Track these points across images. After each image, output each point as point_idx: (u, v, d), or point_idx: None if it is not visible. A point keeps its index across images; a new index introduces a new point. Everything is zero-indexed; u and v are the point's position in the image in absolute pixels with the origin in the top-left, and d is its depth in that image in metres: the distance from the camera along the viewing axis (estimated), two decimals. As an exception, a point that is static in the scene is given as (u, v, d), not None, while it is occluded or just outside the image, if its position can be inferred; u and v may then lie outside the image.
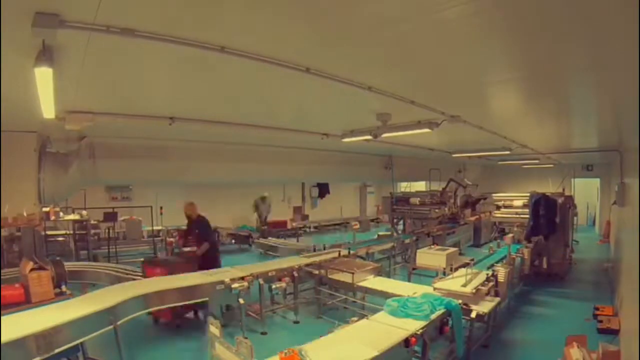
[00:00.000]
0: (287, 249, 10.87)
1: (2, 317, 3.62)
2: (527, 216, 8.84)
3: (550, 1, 2.21)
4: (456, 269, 5.88)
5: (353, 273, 5.79)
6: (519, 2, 2.25)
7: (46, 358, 3.61)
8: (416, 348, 3.94)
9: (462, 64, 3.44)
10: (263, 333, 5.84)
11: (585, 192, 16.36)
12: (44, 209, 7.05)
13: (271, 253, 11.39)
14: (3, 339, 3.30)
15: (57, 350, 3.72)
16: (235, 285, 5.47)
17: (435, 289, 5.07)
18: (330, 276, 6.25)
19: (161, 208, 10.79)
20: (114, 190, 12.59)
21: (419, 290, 5.01)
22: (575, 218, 11.15)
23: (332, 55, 3.20)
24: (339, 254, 7.30)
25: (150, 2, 2.29)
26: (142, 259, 7.36)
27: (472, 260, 6.35)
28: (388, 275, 7.49)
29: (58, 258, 5.62)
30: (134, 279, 6.29)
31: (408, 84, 4.13)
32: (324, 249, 7.97)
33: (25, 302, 4.67)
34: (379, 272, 6.29)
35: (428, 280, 6.02)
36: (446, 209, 11.20)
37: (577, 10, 2.29)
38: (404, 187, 18.16)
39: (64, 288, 5.13)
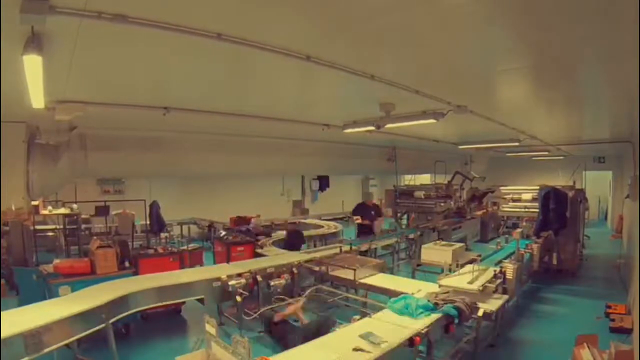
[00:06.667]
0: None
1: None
2: (537, 210, 8.64)
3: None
4: (462, 266, 5.79)
5: (355, 270, 5.65)
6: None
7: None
8: (420, 347, 3.84)
9: (468, 51, 3.38)
10: (261, 332, 5.71)
11: (597, 185, 16.09)
12: (33, 203, 6.94)
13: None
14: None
15: (46, 350, 3.59)
16: (232, 282, 5.36)
17: (440, 286, 4.95)
18: (331, 273, 6.12)
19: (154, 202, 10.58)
20: (106, 183, 12.35)
21: (423, 287, 4.91)
22: (586, 212, 10.90)
23: (333, 43, 3.14)
24: (340, 249, 7.16)
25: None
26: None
27: (479, 256, 6.27)
28: (391, 272, 7.34)
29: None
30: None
31: (412, 72, 4.08)
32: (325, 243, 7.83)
33: (92, 273, 5.47)
34: (381, 269, 6.15)
35: (433, 277, 5.91)
36: (452, 202, 11.00)
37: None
38: (408, 180, 17.95)
39: (127, 264, 5.93)
